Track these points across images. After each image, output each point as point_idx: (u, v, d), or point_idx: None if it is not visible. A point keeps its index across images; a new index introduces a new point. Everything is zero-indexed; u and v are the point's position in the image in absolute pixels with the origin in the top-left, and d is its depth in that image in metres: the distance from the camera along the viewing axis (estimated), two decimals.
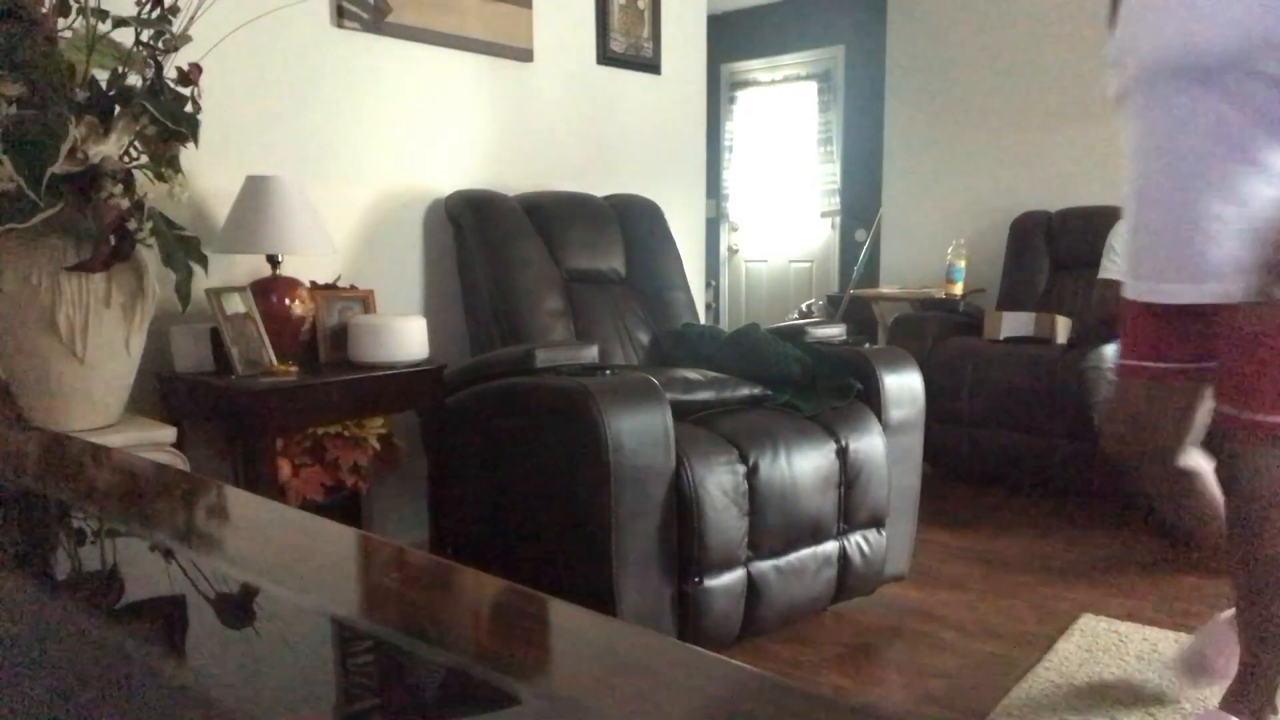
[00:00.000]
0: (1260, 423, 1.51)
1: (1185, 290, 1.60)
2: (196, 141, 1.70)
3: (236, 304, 2.00)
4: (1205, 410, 1.71)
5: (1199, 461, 1.76)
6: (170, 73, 1.72)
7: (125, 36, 1.68)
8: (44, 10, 1.58)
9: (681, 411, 2.12)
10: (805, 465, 2.09)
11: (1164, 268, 1.63)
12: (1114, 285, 3.19)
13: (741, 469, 2.01)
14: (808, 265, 6.12)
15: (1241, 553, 1.60)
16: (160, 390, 2.08)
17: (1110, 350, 2.95)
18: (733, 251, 6.42)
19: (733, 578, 2.00)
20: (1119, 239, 3.23)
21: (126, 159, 1.66)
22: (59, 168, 1.49)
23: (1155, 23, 1.56)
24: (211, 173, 2.19)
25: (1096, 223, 3.63)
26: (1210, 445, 1.75)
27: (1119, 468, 1.82)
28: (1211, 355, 1.63)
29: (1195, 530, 1.84)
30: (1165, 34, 1.54)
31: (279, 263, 2.16)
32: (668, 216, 3.08)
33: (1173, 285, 1.62)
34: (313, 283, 2.31)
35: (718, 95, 6.24)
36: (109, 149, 1.59)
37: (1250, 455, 1.54)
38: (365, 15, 2.48)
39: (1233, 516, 1.60)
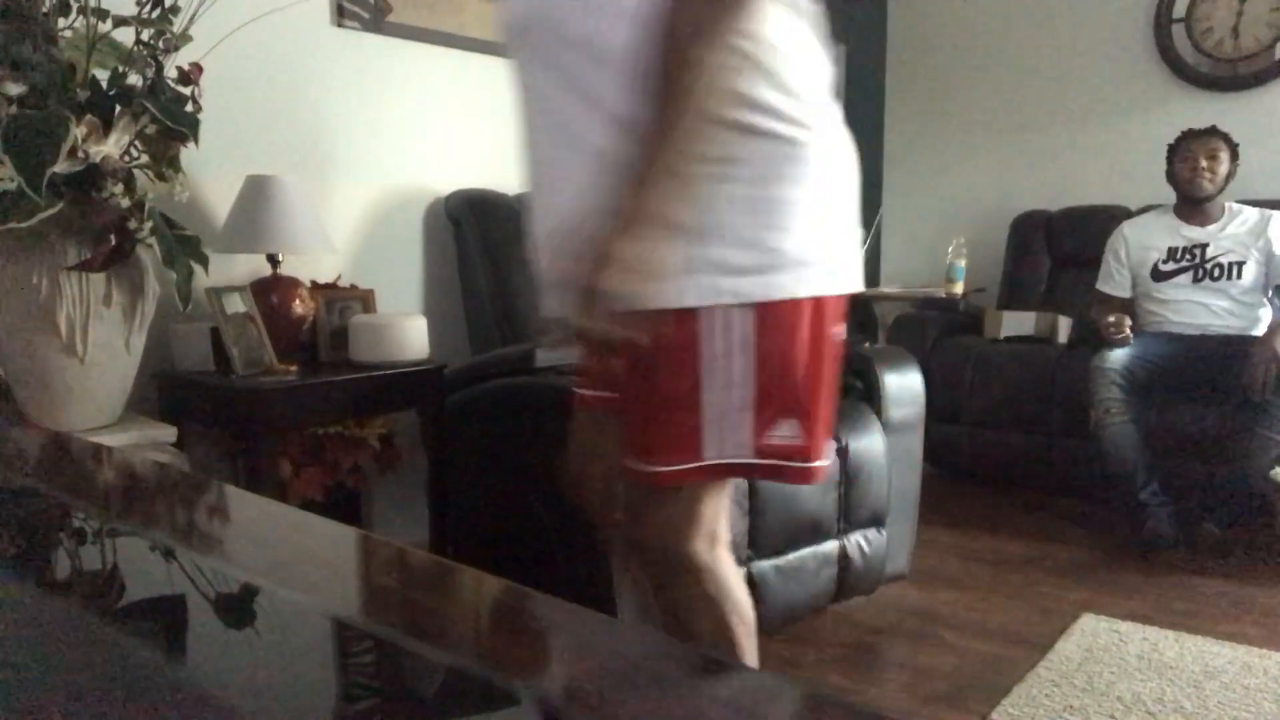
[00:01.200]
0: (658, 474, 1.19)
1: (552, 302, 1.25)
2: (196, 141, 1.70)
3: (237, 303, 2.00)
4: None
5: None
6: (170, 73, 1.72)
7: (125, 36, 1.68)
8: (44, 10, 1.58)
9: None
10: None
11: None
12: (1098, 295, 3.20)
13: None
14: None
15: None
16: (160, 390, 2.08)
17: (1113, 350, 2.94)
18: None
19: None
20: (1121, 246, 3.22)
21: (127, 159, 1.66)
22: (59, 168, 1.49)
23: None
24: (211, 173, 2.19)
25: (1096, 222, 3.63)
26: None
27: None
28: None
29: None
30: None
31: (279, 262, 2.16)
32: None
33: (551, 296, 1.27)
34: (313, 282, 2.31)
35: None
36: (109, 149, 1.59)
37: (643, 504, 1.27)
38: (365, 15, 2.48)
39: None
